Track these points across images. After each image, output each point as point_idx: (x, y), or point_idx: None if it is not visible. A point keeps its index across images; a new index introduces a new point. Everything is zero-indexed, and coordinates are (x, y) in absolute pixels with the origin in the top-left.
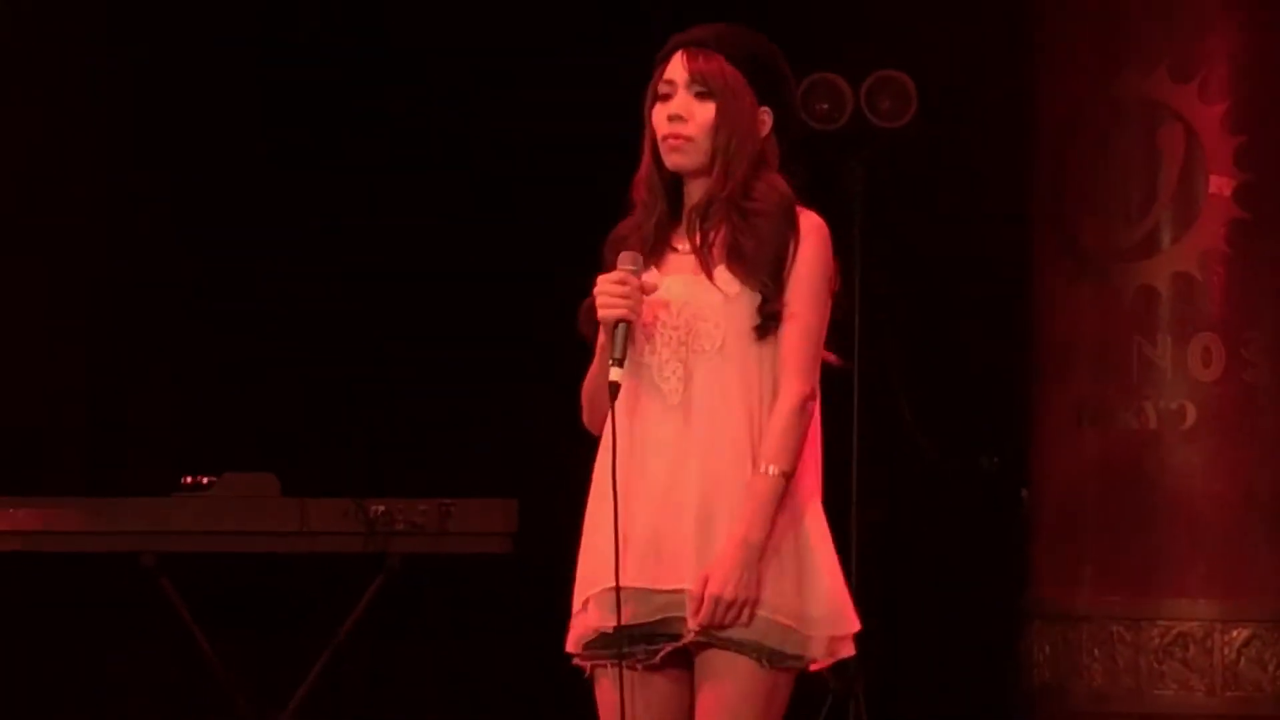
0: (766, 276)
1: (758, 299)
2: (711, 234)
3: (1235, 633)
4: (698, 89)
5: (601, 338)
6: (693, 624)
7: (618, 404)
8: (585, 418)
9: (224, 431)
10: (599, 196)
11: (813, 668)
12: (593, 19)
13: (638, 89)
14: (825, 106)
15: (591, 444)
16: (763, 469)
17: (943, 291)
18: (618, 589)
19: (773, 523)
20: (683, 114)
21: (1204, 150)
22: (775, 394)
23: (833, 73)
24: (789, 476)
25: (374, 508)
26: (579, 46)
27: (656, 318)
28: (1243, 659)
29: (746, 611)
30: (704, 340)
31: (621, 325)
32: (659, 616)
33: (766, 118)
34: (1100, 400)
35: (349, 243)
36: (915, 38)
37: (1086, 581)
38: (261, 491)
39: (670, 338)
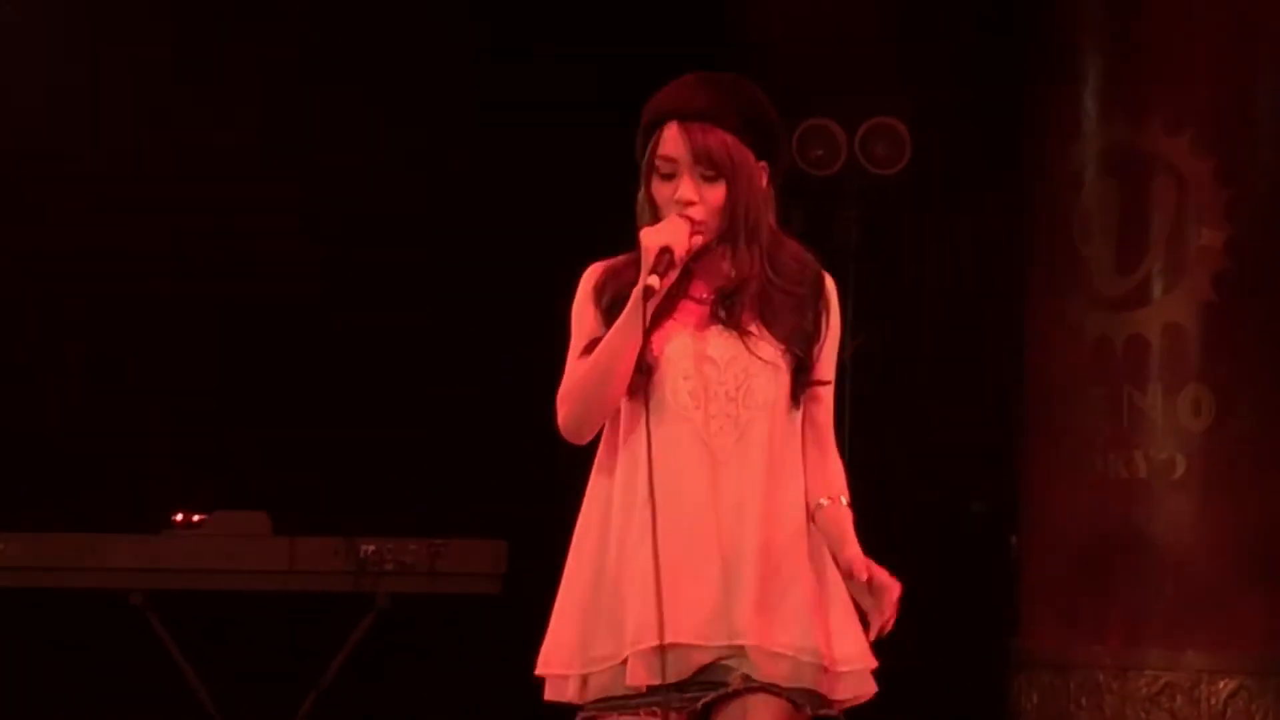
0: (804, 350)
1: (793, 364)
2: (743, 309)
3: (1222, 683)
4: (704, 170)
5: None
6: (879, 617)
7: (651, 452)
8: (569, 416)
9: (216, 469)
10: (590, 243)
11: (837, 709)
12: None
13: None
14: (820, 153)
15: (582, 485)
16: (843, 501)
17: (935, 338)
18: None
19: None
20: (693, 199)
21: (1195, 202)
22: (799, 456)
23: (827, 118)
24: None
25: (364, 547)
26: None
27: (700, 371)
28: (1229, 709)
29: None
30: (756, 397)
31: (665, 252)
32: (703, 669)
33: (764, 171)
34: (1090, 448)
35: (339, 283)
36: (910, 86)
37: (1074, 630)
38: (252, 530)
39: (718, 393)
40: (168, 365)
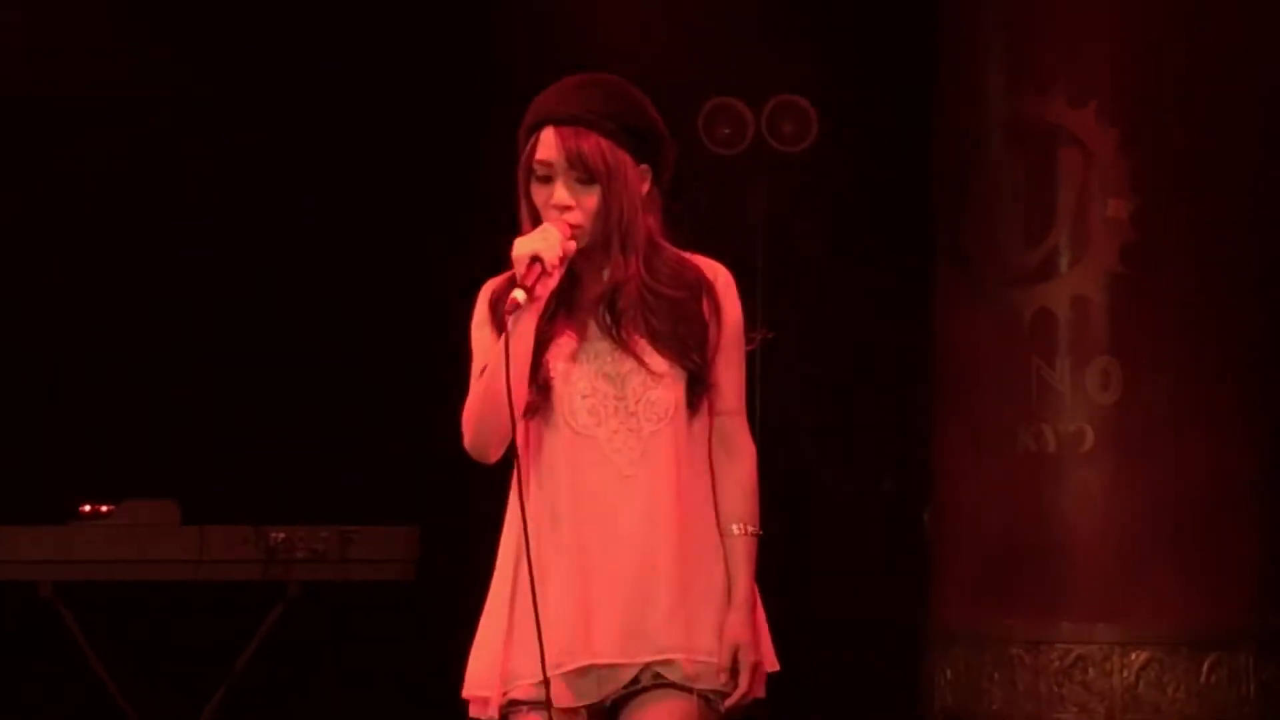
0: (695, 355)
1: (686, 375)
2: (624, 319)
3: (1134, 655)
4: (578, 175)
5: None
6: (737, 691)
7: (556, 471)
8: (471, 438)
9: (123, 457)
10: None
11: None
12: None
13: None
14: (727, 131)
15: (495, 471)
16: (742, 530)
17: (844, 315)
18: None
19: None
20: (568, 203)
21: (1101, 173)
22: (705, 461)
23: (733, 97)
24: (758, 536)
25: (274, 535)
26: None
27: (597, 389)
28: (1141, 681)
29: (759, 672)
30: (655, 410)
31: (535, 261)
32: (624, 685)
33: (646, 174)
34: (999, 423)
35: (248, 266)
36: (815, 61)
37: (987, 606)
38: (161, 519)
39: (618, 409)
40: (72, 351)
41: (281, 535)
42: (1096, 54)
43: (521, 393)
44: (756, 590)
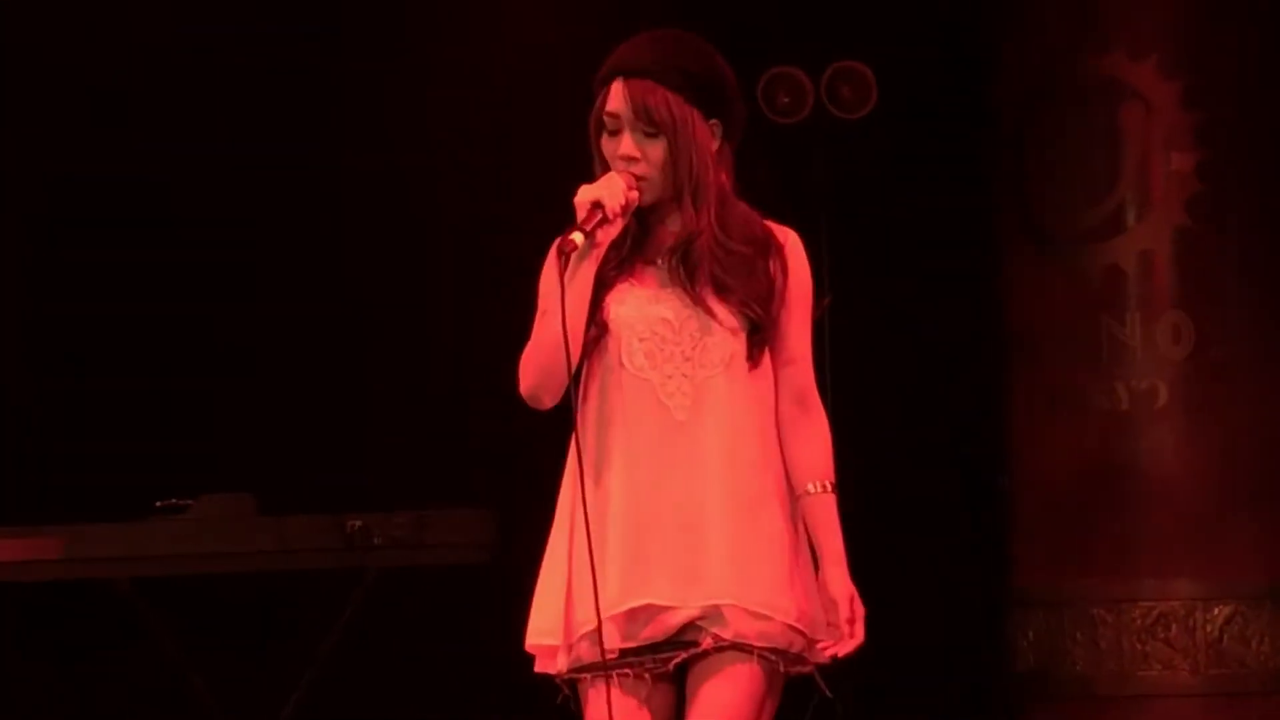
0: (759, 309)
1: (749, 325)
2: (695, 269)
3: (1217, 610)
4: (645, 127)
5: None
6: (854, 641)
7: (612, 416)
8: (527, 383)
9: (199, 452)
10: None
11: (803, 670)
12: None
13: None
14: (786, 100)
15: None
16: (819, 488)
17: (910, 280)
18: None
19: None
20: (634, 154)
21: (1164, 127)
22: (768, 415)
23: (792, 66)
24: (835, 489)
25: (351, 522)
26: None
27: (655, 332)
28: (1225, 636)
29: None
30: (712, 355)
31: (597, 207)
32: (677, 630)
33: (715, 130)
34: (1072, 383)
35: (321, 258)
36: (873, 26)
37: (1066, 566)
38: (238, 511)
39: (674, 353)
40: (145, 348)
41: (359, 523)
42: (1156, 8)
43: (578, 339)
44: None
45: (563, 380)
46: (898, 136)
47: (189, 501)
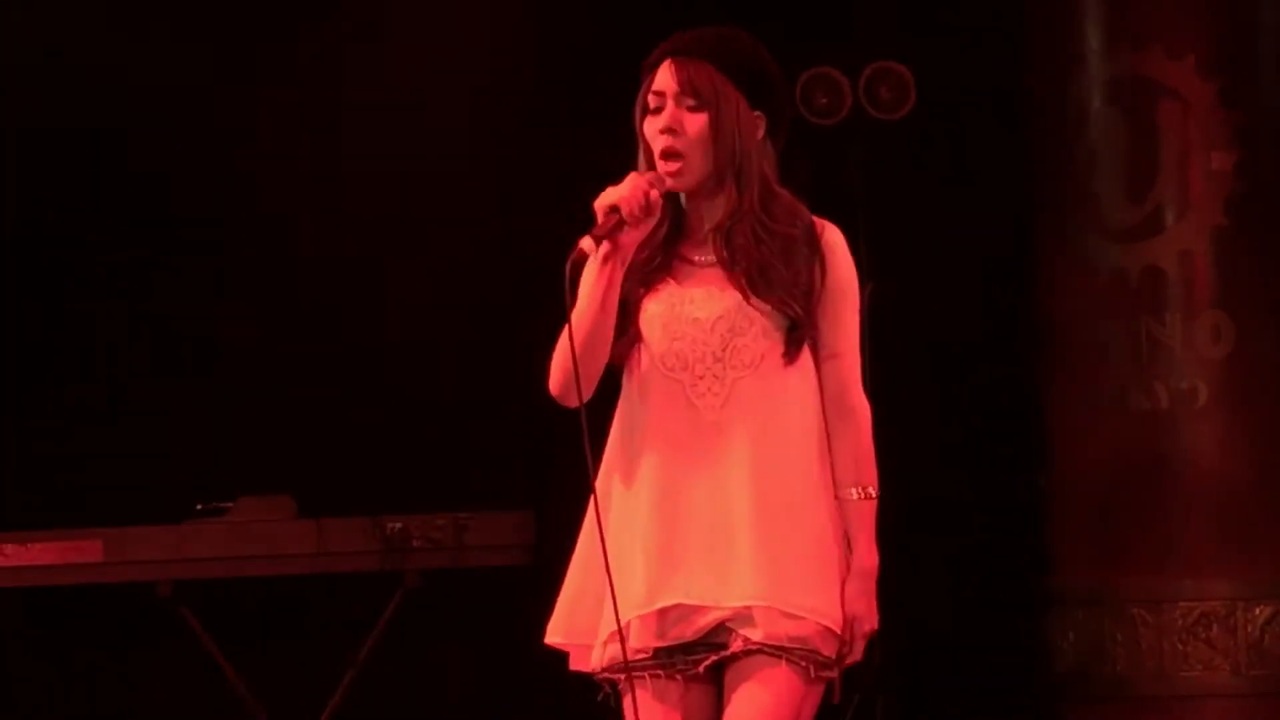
0: (798, 303)
1: (787, 322)
2: (739, 253)
3: (1258, 610)
4: (689, 101)
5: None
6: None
7: (645, 416)
8: (553, 381)
9: (237, 455)
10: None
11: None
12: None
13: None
14: (824, 100)
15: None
16: (861, 493)
17: (949, 281)
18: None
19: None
20: (674, 127)
21: (1202, 127)
22: (808, 414)
23: (830, 66)
24: (877, 498)
25: (390, 525)
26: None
27: (685, 333)
28: (1266, 635)
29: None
30: (742, 356)
31: (614, 211)
32: (708, 631)
33: (760, 122)
34: (1111, 382)
35: (361, 257)
36: (909, 27)
37: (1106, 566)
38: (277, 514)
39: (704, 354)
40: (181, 352)
41: (398, 525)
42: (1193, 6)
43: (604, 342)
44: (875, 562)
45: (583, 380)
46: (936, 137)
47: (228, 504)
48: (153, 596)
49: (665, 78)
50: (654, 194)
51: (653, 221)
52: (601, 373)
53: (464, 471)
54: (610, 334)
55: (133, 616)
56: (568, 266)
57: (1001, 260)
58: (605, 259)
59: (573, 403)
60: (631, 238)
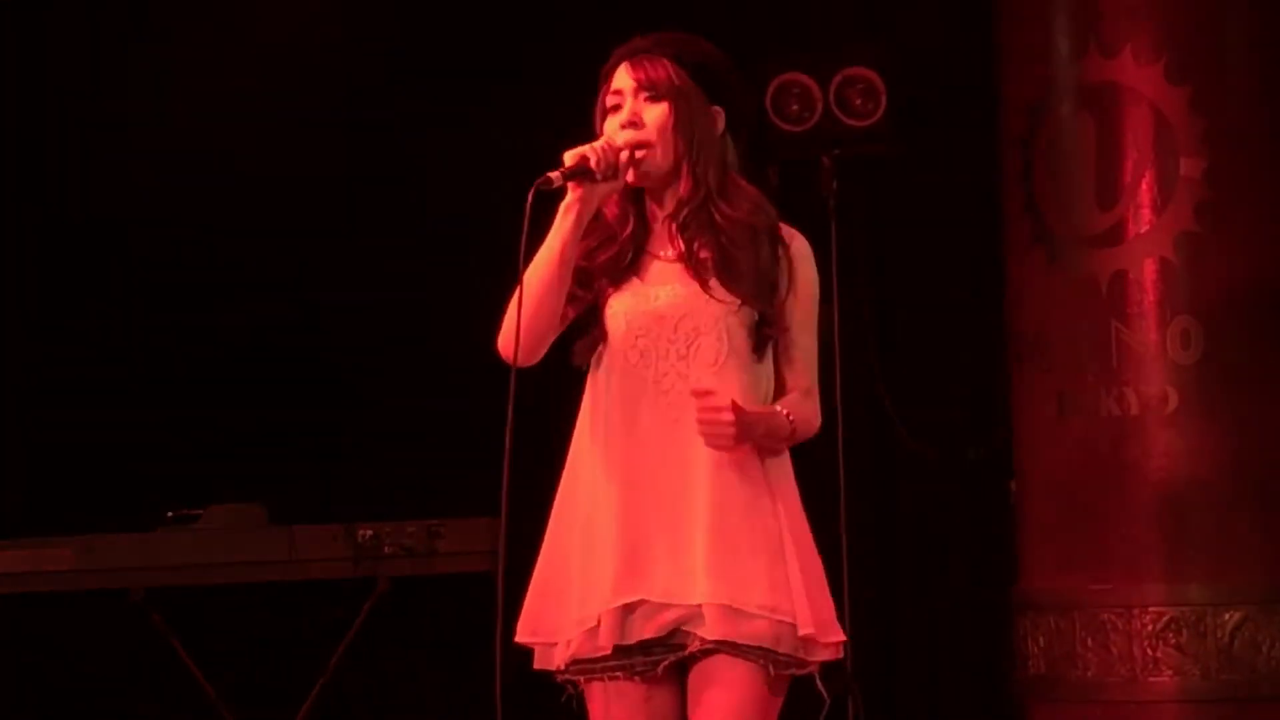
0: (763, 299)
1: (754, 316)
2: (696, 243)
3: (1228, 615)
4: (647, 94)
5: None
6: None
7: (610, 412)
8: (500, 336)
9: (208, 462)
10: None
11: (801, 672)
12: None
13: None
14: (795, 107)
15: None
16: (782, 411)
17: (919, 285)
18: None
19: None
20: (635, 120)
21: (1172, 132)
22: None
23: (800, 73)
24: (797, 432)
25: (362, 532)
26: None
27: (650, 330)
28: (1236, 641)
29: (724, 429)
30: (707, 353)
31: (583, 159)
32: (670, 630)
33: (719, 117)
34: (1081, 388)
35: (326, 267)
36: (880, 33)
37: (1076, 571)
38: (248, 521)
39: (668, 351)
40: (151, 358)
41: (369, 532)
42: (1162, 12)
43: (554, 298)
44: (753, 422)
45: (534, 337)
46: (907, 143)
47: (199, 511)
48: (124, 604)
49: (623, 77)
50: (623, 155)
51: (617, 185)
52: (548, 339)
53: (434, 477)
54: (563, 293)
55: (104, 624)
56: (530, 193)
57: (972, 266)
58: (566, 210)
59: (520, 358)
60: (595, 193)
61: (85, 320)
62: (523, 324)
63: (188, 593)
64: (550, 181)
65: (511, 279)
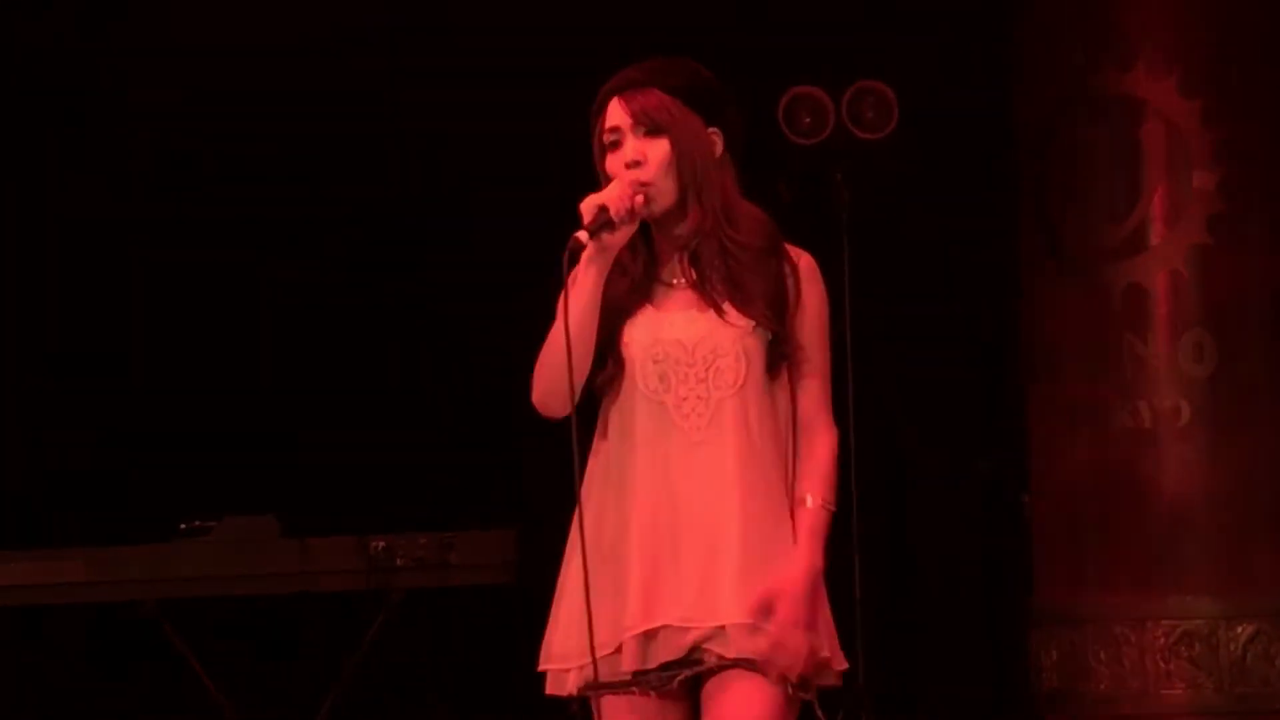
0: (775, 318)
1: (768, 336)
2: (707, 269)
3: (1240, 628)
4: (645, 129)
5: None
6: (758, 646)
7: (629, 439)
8: (536, 391)
9: (221, 474)
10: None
11: (807, 696)
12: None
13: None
14: (808, 120)
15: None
16: (815, 503)
17: (934, 299)
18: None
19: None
20: (638, 158)
21: (1186, 145)
22: (792, 432)
23: (813, 86)
24: (832, 514)
25: (374, 544)
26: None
27: (668, 355)
28: (1249, 654)
29: (797, 635)
30: (726, 376)
31: (602, 210)
32: (688, 650)
33: (716, 138)
34: (1094, 401)
35: (345, 277)
36: (893, 47)
37: (1089, 584)
38: (261, 533)
39: (688, 375)
40: (166, 371)
41: (382, 544)
42: (1176, 26)
43: (587, 348)
44: (820, 566)
45: (563, 388)
46: (920, 156)
47: (212, 523)
48: (138, 616)
49: (617, 113)
50: (638, 199)
51: (634, 226)
52: (582, 386)
53: (447, 490)
54: (593, 340)
55: (117, 636)
56: (565, 256)
57: (986, 279)
58: (589, 261)
59: (557, 410)
60: (615, 240)
61: (98, 331)
62: (566, 381)
63: (200, 604)
64: (580, 243)
65: (526, 308)
